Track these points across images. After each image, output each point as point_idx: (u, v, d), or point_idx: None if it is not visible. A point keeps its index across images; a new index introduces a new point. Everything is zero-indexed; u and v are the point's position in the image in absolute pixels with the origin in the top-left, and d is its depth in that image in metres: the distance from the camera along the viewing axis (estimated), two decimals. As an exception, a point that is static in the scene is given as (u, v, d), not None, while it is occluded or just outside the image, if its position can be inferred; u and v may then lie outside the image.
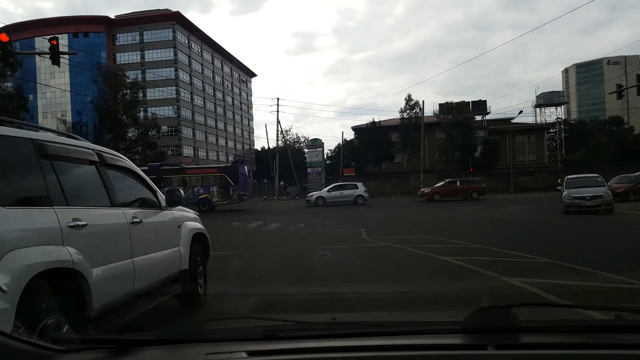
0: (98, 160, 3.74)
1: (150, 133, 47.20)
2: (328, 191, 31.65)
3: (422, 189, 34.74)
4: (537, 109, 72.37)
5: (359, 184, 32.85)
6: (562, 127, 70.32)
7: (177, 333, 1.61)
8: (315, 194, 32.21)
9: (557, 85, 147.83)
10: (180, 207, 5.09)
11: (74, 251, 2.90)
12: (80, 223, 3.08)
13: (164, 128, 60.99)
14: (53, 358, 1.26)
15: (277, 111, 57.14)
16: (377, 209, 25.57)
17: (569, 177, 19.01)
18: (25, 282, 2.42)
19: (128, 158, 4.85)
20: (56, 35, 17.71)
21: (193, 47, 73.93)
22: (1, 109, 38.23)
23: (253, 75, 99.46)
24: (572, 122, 77.79)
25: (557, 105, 72.71)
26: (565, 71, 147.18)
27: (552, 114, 72.16)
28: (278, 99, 58.16)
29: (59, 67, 19.14)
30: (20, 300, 2.34)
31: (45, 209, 2.89)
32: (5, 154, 2.87)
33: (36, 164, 2.99)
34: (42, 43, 41.26)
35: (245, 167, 33.94)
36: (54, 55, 16.34)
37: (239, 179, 28.02)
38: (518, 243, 9.58)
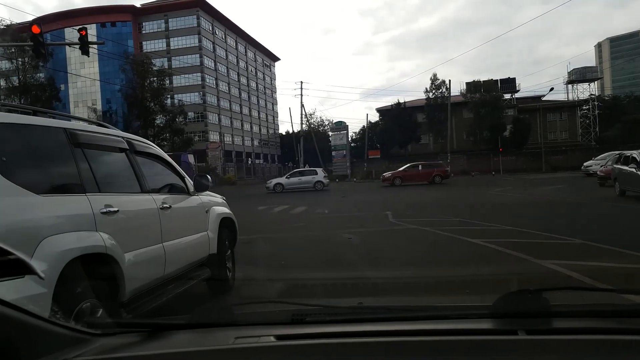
0: (128, 147, 3.82)
1: (177, 120, 47.82)
2: (287, 177, 31.90)
3: (384, 173, 33.59)
4: (569, 86, 70.00)
5: (319, 170, 32.97)
6: (596, 103, 67.94)
7: (207, 317, 1.64)
8: (274, 180, 32.33)
9: (590, 61, 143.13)
10: (207, 192, 5.16)
11: (106, 237, 2.97)
12: (112, 209, 3.15)
13: (191, 114, 61.70)
14: (89, 342, 1.29)
15: (301, 95, 57.15)
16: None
17: (635, 152, 14.44)
18: (61, 268, 2.49)
19: (156, 145, 4.94)
20: (85, 26, 18.07)
21: (217, 33, 74.12)
22: (35, 99, 39.30)
23: (277, 59, 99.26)
24: (606, 98, 74.97)
25: (590, 81, 70.09)
26: (599, 45, 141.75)
27: (584, 91, 69.76)
28: (302, 82, 58.15)
29: (88, 56, 19.51)
30: (56, 285, 2.41)
31: (79, 196, 2.97)
32: (40, 144, 2.95)
33: (69, 152, 3.06)
34: (71, 34, 41.94)
35: (189, 155, 34.29)
36: (83, 45, 16.66)
37: (181, 168, 28.71)
38: (553, 225, 9.35)
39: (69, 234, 2.69)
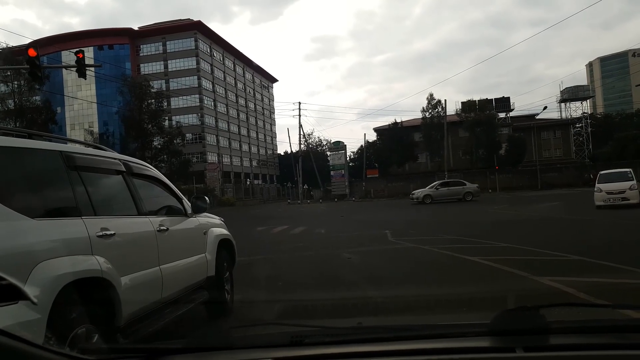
0: (125, 169, 3.80)
1: (175, 141, 47.97)
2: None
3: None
4: (562, 104, 70.87)
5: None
6: (589, 121, 68.68)
7: (205, 341, 1.62)
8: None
9: (582, 80, 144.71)
10: (205, 213, 5.14)
11: (102, 260, 2.93)
12: (108, 232, 3.12)
13: (189, 136, 61.92)
14: (83, 369, 1.27)
15: (299, 115, 57.55)
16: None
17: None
18: (56, 293, 2.44)
19: (154, 166, 4.93)
20: (82, 49, 18.21)
21: (215, 55, 74.90)
22: (30, 122, 39.35)
23: (274, 80, 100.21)
24: (599, 116, 75.93)
25: (582, 99, 71.01)
26: (590, 65, 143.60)
27: (577, 109, 70.61)
28: (300, 103, 58.69)
29: (85, 79, 19.62)
30: (50, 311, 2.36)
31: (74, 219, 2.94)
32: (35, 167, 2.95)
33: (65, 175, 3.04)
34: (68, 56, 42.29)
35: None
36: (80, 68, 16.77)
37: None
38: (550, 241, 9.34)
39: (64, 258, 2.65)
